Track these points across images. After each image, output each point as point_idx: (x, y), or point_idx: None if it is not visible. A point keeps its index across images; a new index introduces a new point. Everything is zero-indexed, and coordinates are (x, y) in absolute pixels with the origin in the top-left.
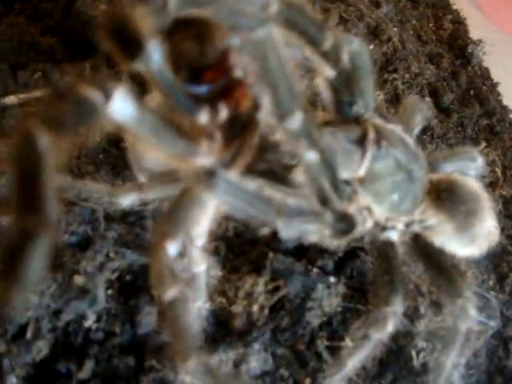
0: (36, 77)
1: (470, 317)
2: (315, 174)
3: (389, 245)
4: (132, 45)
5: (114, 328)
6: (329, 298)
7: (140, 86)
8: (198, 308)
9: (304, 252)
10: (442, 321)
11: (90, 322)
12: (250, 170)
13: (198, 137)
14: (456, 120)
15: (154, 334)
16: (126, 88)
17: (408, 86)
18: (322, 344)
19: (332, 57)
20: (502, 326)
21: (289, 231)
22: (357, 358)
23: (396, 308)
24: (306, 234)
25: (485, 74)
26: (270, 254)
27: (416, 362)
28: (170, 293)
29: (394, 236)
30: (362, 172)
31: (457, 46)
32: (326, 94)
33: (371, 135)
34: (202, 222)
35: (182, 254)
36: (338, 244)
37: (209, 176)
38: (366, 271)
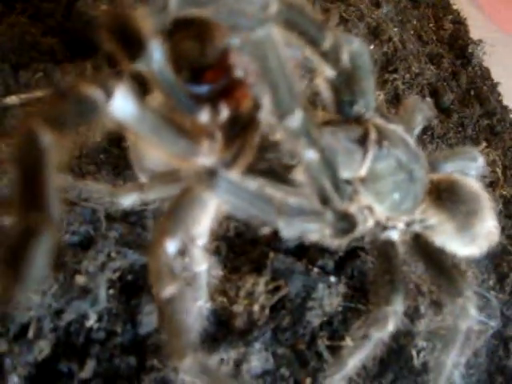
0: (37, 77)
1: (470, 316)
2: (315, 173)
3: (389, 244)
4: (134, 45)
5: (115, 328)
6: (329, 297)
7: (141, 86)
8: (199, 307)
9: (305, 252)
10: (442, 320)
11: (91, 321)
12: (251, 170)
13: (198, 136)
14: (456, 120)
15: (156, 333)
16: (126, 86)
17: (408, 86)
18: (322, 343)
19: (332, 57)
20: (502, 325)
21: (290, 230)
22: (357, 357)
23: (397, 307)
24: (306, 233)
25: (485, 74)
26: (271, 254)
27: (416, 362)
28: (168, 290)
29: (394, 235)
30: (363, 172)
31: (457, 46)
32: (326, 94)
33: (373, 135)
34: (203, 222)
35: (181, 252)
36: (338, 244)
37: (210, 175)
38: (366, 271)
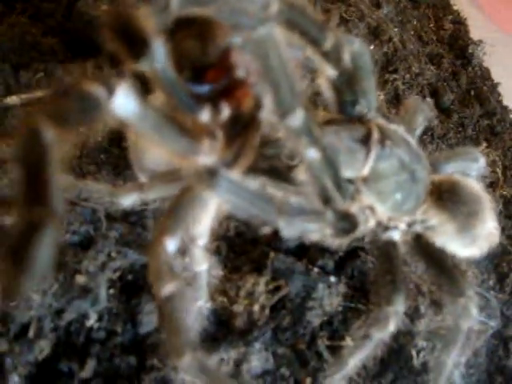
0: (38, 77)
1: (471, 316)
2: (317, 172)
3: (391, 244)
4: (137, 44)
5: (115, 327)
6: (329, 297)
7: (143, 86)
8: (199, 307)
9: (305, 251)
10: (442, 320)
11: (91, 321)
12: (252, 169)
13: (199, 135)
14: (456, 120)
15: (156, 333)
16: (128, 84)
17: (408, 87)
18: (322, 343)
19: (333, 57)
20: (502, 325)
21: (290, 230)
22: (358, 357)
23: (397, 308)
24: (307, 233)
25: (485, 75)
26: (271, 254)
27: (416, 362)
28: (168, 288)
29: (395, 236)
30: (365, 171)
31: (457, 46)
32: (328, 94)
33: (375, 135)
34: (203, 221)
35: (181, 251)
36: (339, 243)
37: (210, 175)
38: (366, 271)
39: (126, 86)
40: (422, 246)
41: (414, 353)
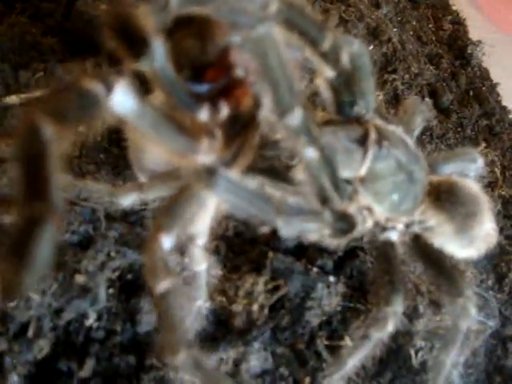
0: (37, 77)
1: (470, 316)
2: (315, 172)
3: (389, 245)
4: (137, 44)
5: (114, 327)
6: (328, 297)
7: (143, 85)
8: (198, 307)
9: (304, 251)
10: (440, 320)
11: (91, 320)
12: (251, 168)
13: (198, 134)
14: (455, 120)
15: (155, 332)
16: (127, 81)
17: (407, 87)
18: (321, 343)
19: (332, 57)
20: (500, 325)
21: (288, 230)
22: (357, 357)
23: (396, 308)
24: (305, 233)
25: (484, 75)
26: (270, 254)
27: (415, 361)
28: (163, 285)
29: (393, 236)
30: (363, 171)
31: (456, 46)
32: (326, 95)
33: (373, 135)
34: (202, 220)
35: (177, 248)
36: (337, 243)
37: (209, 174)
38: (365, 271)
39: (124, 84)
40: (421, 247)
41: (412, 352)
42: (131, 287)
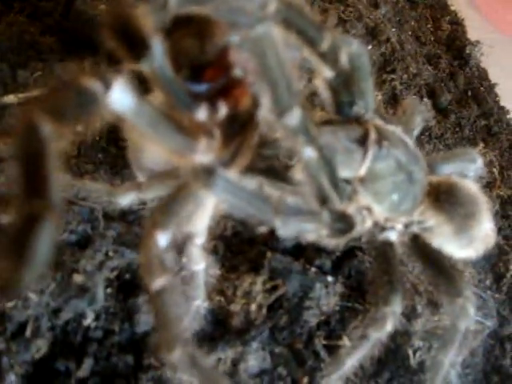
0: (35, 76)
1: (469, 316)
2: (314, 172)
3: (388, 245)
4: (137, 45)
5: (112, 326)
6: (326, 297)
7: (142, 84)
8: (196, 306)
9: (302, 251)
10: (439, 320)
11: (89, 320)
12: (249, 168)
13: (197, 133)
14: (454, 120)
15: (153, 332)
16: (125, 79)
17: (406, 87)
18: (319, 343)
19: (330, 57)
20: (498, 325)
21: (286, 230)
22: (355, 357)
23: (395, 308)
24: (303, 233)
25: (482, 75)
26: (268, 253)
27: (413, 361)
28: (158, 282)
29: (393, 236)
30: (362, 171)
31: (455, 46)
32: (325, 95)
33: (372, 135)
34: (201, 220)
35: (173, 245)
36: (336, 243)
37: (207, 174)
38: (363, 270)
39: (122, 81)
40: (420, 247)
41: (410, 352)
42: (129, 287)
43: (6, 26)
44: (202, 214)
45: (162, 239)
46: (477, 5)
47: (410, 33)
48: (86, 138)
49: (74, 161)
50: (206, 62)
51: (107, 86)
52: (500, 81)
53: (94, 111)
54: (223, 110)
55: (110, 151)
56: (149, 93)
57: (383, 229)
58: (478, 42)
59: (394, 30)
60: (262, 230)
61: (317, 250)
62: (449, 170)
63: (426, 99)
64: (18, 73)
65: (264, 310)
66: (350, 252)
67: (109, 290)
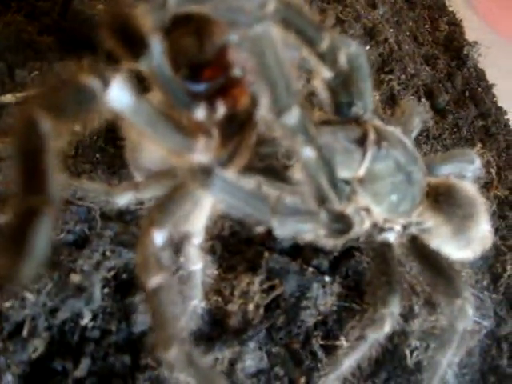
0: (33, 75)
1: (468, 317)
2: (312, 172)
3: (386, 246)
4: (136, 45)
5: (109, 326)
6: (324, 297)
7: (141, 83)
8: (193, 306)
9: (299, 251)
10: (436, 320)
11: (86, 320)
12: (248, 168)
13: (195, 133)
14: (451, 121)
15: (150, 332)
16: (123, 77)
17: (404, 87)
18: (316, 343)
19: (329, 58)
20: (495, 325)
21: (283, 230)
22: (353, 357)
23: (393, 309)
24: (300, 233)
25: (480, 76)
26: (266, 254)
27: (410, 361)
28: (155, 280)
29: (391, 237)
30: (361, 172)
31: (452, 47)
32: (324, 95)
33: (372, 136)
34: (198, 220)
35: (169, 243)
36: (334, 244)
37: (205, 173)
38: (361, 271)
39: (120, 79)
40: (418, 248)
41: (407, 352)
42: (126, 287)
43: (4, 25)
44: (200, 214)
45: (159, 237)
46: (474, 6)
47: (407, 33)
48: (84, 137)
49: (72, 160)
50: (205, 61)
51: (106, 83)
52: (497, 81)
53: (93, 108)
54: (222, 109)
55: (107, 151)
56: (147, 92)
57: (382, 230)
58: (475, 42)
59: (391, 30)
60: (260, 229)
61: (314, 250)
62: (447, 171)
63: (423, 100)
64: (15, 72)
65: (261, 310)
66: (347, 252)
67: (106, 290)
